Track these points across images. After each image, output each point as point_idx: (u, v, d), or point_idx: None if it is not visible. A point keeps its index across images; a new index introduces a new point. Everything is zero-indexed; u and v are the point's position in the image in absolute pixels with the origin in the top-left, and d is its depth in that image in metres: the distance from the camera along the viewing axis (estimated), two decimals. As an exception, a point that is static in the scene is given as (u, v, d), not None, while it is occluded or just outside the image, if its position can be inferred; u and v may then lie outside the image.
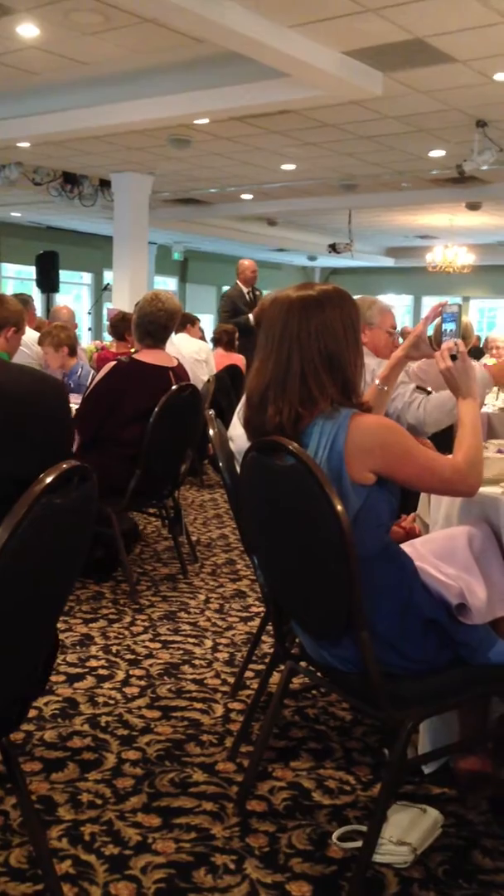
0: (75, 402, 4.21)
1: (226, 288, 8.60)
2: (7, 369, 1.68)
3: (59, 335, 5.00)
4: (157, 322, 3.90)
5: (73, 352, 5.07)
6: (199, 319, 7.47)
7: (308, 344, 1.85)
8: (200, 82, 6.64)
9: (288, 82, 6.27)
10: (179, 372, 3.99)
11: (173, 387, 3.82)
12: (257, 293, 8.30)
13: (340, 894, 1.86)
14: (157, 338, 3.95)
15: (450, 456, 1.97)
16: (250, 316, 7.86)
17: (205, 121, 7.65)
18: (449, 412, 2.92)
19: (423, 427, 3.03)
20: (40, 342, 5.00)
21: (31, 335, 5.09)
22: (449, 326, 2.15)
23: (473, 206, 11.27)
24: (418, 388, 3.56)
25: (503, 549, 2.10)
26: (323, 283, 1.98)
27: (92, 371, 5.10)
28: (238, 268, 8.38)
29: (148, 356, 3.91)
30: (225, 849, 2.01)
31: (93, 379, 4.39)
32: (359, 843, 1.95)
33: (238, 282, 8.31)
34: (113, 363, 3.90)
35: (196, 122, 7.68)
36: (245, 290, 8.27)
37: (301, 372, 1.85)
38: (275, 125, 7.92)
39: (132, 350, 4.31)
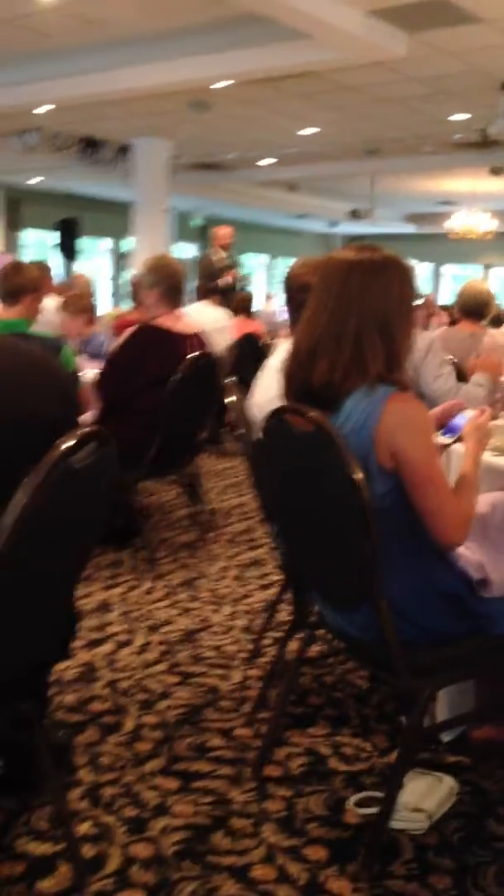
0: (93, 368, 4.21)
1: (247, 255, 8.71)
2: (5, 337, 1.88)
3: (79, 303, 5.16)
4: (179, 280, 3.90)
5: (91, 320, 5.18)
6: None
7: (368, 304, 1.80)
8: (221, 45, 6.54)
9: (310, 44, 6.16)
10: (200, 340, 3.97)
11: (190, 354, 3.80)
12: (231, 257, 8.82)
13: (356, 859, 1.88)
14: (181, 295, 3.94)
15: None
16: (229, 279, 8.40)
17: (225, 84, 7.54)
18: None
19: (437, 401, 2.99)
20: (63, 309, 5.11)
21: (47, 303, 5.13)
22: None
23: (497, 171, 11.08)
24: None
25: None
26: (385, 249, 1.90)
27: (106, 339, 5.13)
28: (216, 233, 8.71)
29: (170, 321, 3.87)
30: (242, 813, 2.03)
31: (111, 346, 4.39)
32: (375, 809, 1.96)
33: (216, 246, 8.64)
34: (134, 327, 3.89)
35: (216, 85, 7.57)
36: (223, 254, 8.62)
37: (356, 330, 1.79)
38: (296, 88, 7.81)
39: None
